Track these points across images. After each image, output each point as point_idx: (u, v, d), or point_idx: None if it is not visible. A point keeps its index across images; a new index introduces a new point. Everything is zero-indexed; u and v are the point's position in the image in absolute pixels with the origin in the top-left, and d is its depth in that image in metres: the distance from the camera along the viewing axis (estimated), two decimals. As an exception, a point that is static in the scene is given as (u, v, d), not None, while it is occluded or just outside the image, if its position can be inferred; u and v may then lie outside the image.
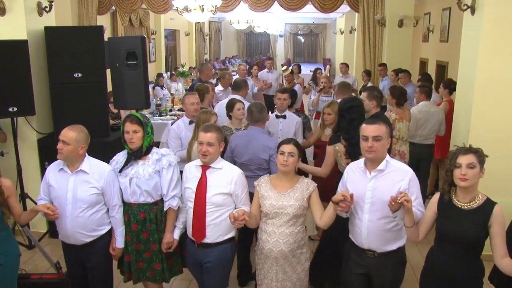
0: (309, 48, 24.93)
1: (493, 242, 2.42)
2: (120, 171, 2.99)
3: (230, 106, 4.29)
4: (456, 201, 2.48)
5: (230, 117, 4.32)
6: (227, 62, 20.49)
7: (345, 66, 9.28)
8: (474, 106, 4.10)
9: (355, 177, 2.78)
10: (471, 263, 2.48)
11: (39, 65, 4.37)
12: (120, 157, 3.07)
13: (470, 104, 4.15)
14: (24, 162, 4.36)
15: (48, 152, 4.44)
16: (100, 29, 4.54)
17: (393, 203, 2.44)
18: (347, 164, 3.44)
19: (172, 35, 16.47)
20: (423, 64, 10.81)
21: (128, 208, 3.02)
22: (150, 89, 8.54)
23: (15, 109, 4.05)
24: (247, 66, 8.90)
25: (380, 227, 2.66)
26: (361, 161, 2.79)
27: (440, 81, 7.21)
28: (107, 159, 3.25)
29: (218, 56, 22.31)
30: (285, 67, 8.27)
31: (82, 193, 2.88)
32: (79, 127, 2.93)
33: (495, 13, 3.88)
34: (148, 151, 3.00)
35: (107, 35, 9.99)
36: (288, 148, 2.85)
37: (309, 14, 12.11)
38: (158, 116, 7.71)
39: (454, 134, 4.62)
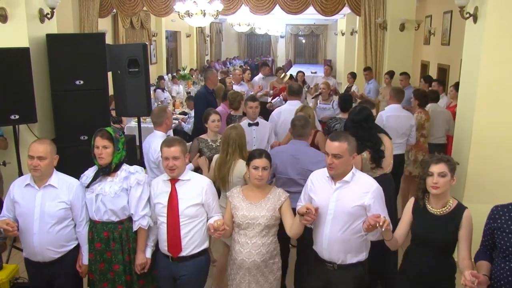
0: (310, 49, 24.92)
1: (459, 244, 2.57)
2: (88, 186, 2.93)
3: (205, 117, 4.17)
4: (430, 207, 2.61)
5: (205, 128, 4.21)
6: (228, 63, 20.48)
7: (330, 69, 9.42)
8: (476, 113, 4.09)
9: (319, 187, 2.79)
10: (444, 263, 2.62)
11: (41, 73, 4.37)
12: (90, 172, 3.01)
13: (472, 111, 4.14)
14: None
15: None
16: (102, 36, 4.54)
17: (370, 227, 2.44)
18: (372, 169, 3.76)
19: (173, 36, 16.47)
20: (424, 66, 10.80)
21: (93, 225, 2.96)
22: (151, 92, 8.54)
23: (17, 116, 4.05)
24: (242, 71, 8.75)
25: (341, 238, 2.68)
26: (326, 170, 2.78)
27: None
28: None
29: (219, 57, 22.31)
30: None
31: (51, 208, 2.81)
32: (47, 139, 2.91)
33: (497, 21, 3.87)
34: (117, 167, 2.93)
35: (108, 37, 9.99)
36: (262, 162, 2.86)
37: (310, 15, 12.13)
38: (160, 120, 7.69)
39: (456, 140, 4.61)
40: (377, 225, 2.39)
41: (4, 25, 4.22)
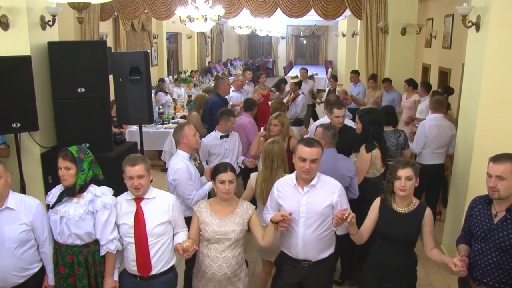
0: (311, 50, 24.91)
1: (424, 238, 2.86)
2: (53, 206, 2.83)
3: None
4: (395, 207, 2.87)
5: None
6: (229, 64, 20.48)
7: (305, 72, 9.33)
8: (478, 122, 4.08)
9: (286, 193, 2.93)
10: (407, 256, 2.90)
11: (42, 80, 4.35)
12: (57, 190, 2.92)
13: (474, 120, 4.13)
14: (27, 176, 4.35)
15: (51, 166, 4.46)
16: (103, 43, 4.52)
17: (339, 220, 2.64)
18: (382, 167, 3.92)
19: (174, 37, 16.47)
20: (426, 69, 10.77)
21: (57, 248, 2.86)
22: (152, 95, 8.52)
23: (19, 125, 4.02)
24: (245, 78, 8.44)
25: (315, 238, 2.86)
26: (291, 178, 2.95)
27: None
28: (110, 173, 3.24)
29: (220, 58, 22.31)
30: (295, 75, 8.31)
31: (11, 232, 2.67)
32: None
33: (500, 30, 3.86)
34: (83, 189, 2.84)
35: (109, 40, 10.00)
36: (228, 176, 2.88)
37: (311, 16, 12.15)
38: (161, 124, 7.70)
39: (458, 149, 4.61)
40: (343, 217, 2.61)
41: (5, 33, 4.19)
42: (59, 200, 2.82)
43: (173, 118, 8.24)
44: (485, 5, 3.92)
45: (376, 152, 3.89)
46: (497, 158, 2.57)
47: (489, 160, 2.62)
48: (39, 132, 4.37)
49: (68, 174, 2.79)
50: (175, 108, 9.05)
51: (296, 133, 6.13)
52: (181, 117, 8.39)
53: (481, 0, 4.01)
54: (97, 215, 2.81)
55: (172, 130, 7.28)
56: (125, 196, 2.89)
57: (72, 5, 2.39)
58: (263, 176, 3.45)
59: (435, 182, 5.06)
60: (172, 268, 2.95)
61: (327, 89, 9.24)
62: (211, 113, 5.38)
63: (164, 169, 7.45)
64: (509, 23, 3.84)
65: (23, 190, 4.29)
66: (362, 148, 3.94)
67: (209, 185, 3.58)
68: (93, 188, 2.88)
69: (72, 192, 2.82)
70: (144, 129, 5.75)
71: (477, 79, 4.08)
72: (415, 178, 2.79)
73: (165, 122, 7.80)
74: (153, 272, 2.83)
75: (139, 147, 5.21)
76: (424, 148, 4.99)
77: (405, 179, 2.76)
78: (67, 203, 2.82)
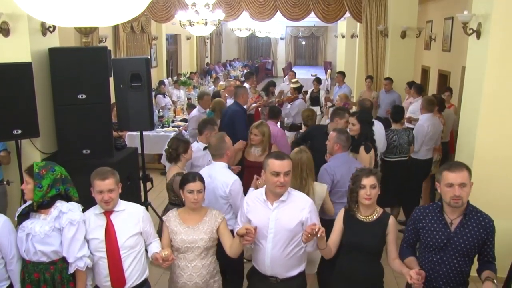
0: (310, 51, 24.91)
1: (388, 247, 2.84)
2: (20, 223, 2.75)
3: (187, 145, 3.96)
4: (359, 216, 2.85)
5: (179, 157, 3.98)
6: (228, 65, 20.47)
7: (294, 74, 9.34)
8: (479, 129, 4.09)
9: (255, 208, 2.86)
10: (372, 266, 2.86)
11: (43, 87, 4.34)
12: (25, 205, 2.85)
13: (475, 127, 4.14)
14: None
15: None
16: (104, 49, 4.51)
17: (309, 235, 2.56)
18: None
19: (173, 39, 16.45)
20: (425, 72, 10.79)
21: (24, 265, 2.76)
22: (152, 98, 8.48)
23: (19, 131, 4.02)
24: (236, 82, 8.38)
25: (283, 255, 2.77)
26: (260, 192, 2.88)
27: (442, 91, 7.40)
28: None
29: (219, 59, 22.29)
30: (296, 79, 8.33)
31: None
32: None
33: (501, 37, 3.86)
34: (49, 205, 2.75)
35: (108, 42, 9.97)
36: (196, 186, 2.88)
37: (310, 18, 12.12)
38: (161, 128, 7.69)
39: (458, 156, 4.60)
40: (313, 232, 2.52)
41: (6, 39, 4.18)
42: (22, 214, 2.77)
43: (173, 121, 8.23)
44: (486, 12, 3.92)
45: (372, 152, 4.01)
46: (454, 167, 2.57)
47: (444, 169, 2.59)
48: (40, 139, 4.36)
49: (27, 188, 2.74)
50: (174, 111, 9.03)
51: (291, 139, 6.07)
52: (181, 120, 8.39)
53: (482, 7, 4.02)
54: (63, 232, 2.72)
55: (172, 134, 7.39)
56: (93, 211, 2.85)
57: (78, 30, 2.36)
58: (292, 187, 3.37)
59: (425, 174, 5.56)
60: (145, 282, 2.92)
61: (309, 91, 9.28)
62: (234, 122, 5.38)
63: (164, 172, 7.44)
64: (510, 30, 3.84)
65: (23, 198, 4.29)
66: (362, 149, 4.05)
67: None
68: (60, 204, 2.79)
69: (32, 208, 2.75)
70: (144, 133, 5.74)
71: (478, 86, 4.09)
72: (378, 186, 2.80)
73: (165, 126, 7.79)
74: (127, 286, 2.79)
75: (139, 152, 5.21)
76: (421, 146, 5.41)
77: (370, 188, 2.74)
78: (34, 220, 2.75)
